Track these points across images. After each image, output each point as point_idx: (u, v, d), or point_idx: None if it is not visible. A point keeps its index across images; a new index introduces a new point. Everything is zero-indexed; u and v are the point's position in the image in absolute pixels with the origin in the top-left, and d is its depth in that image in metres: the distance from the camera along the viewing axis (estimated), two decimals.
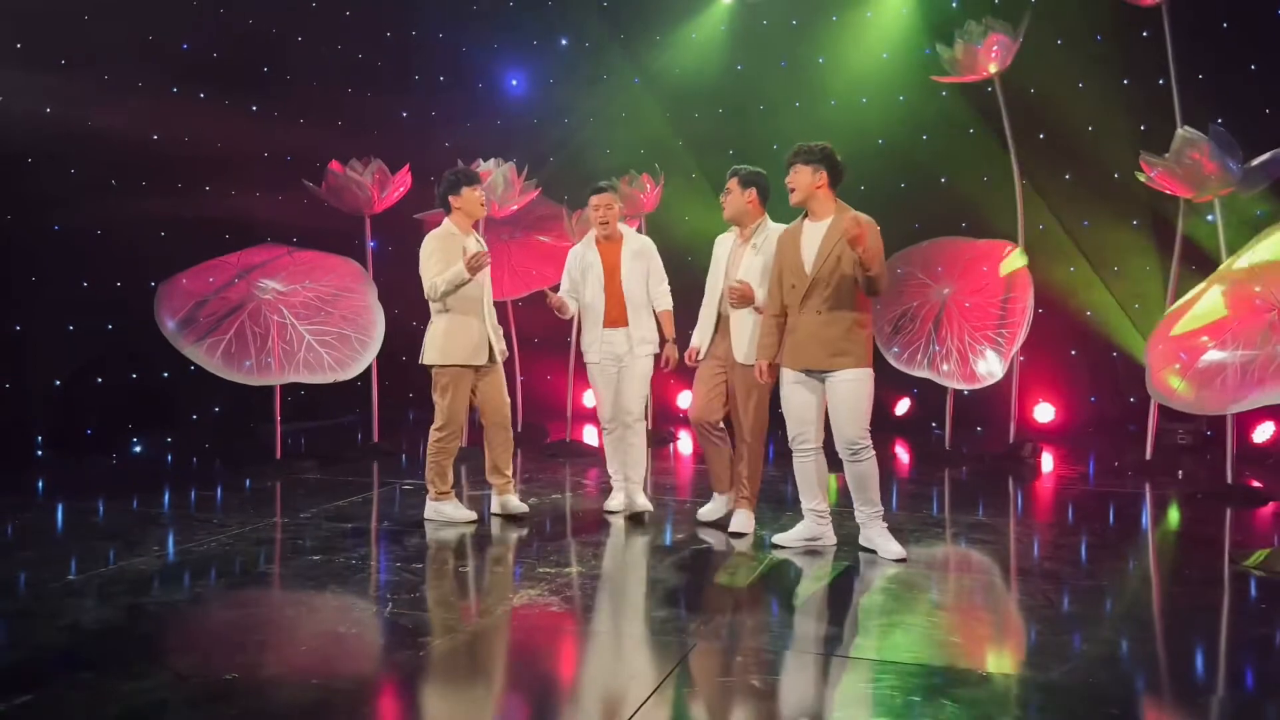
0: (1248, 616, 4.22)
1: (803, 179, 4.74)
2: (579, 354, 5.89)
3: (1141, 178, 6.79)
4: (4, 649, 3.67)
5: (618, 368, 5.60)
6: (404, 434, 8.67)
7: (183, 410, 8.34)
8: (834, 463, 4.86)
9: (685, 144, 9.81)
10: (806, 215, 4.83)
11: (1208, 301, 5.82)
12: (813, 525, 4.98)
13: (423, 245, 5.47)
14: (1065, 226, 8.86)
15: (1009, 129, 7.57)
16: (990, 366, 7.19)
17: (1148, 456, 7.24)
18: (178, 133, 7.98)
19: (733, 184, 5.14)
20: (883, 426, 8.49)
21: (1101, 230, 8.84)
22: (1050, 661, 3.50)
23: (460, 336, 5.43)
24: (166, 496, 6.25)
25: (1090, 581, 4.55)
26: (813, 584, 4.53)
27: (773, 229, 5.11)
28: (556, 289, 5.77)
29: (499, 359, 5.57)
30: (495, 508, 5.69)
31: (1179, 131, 6.50)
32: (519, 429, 8.07)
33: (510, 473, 5.69)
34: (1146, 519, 6.05)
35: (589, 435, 8.55)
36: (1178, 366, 5.79)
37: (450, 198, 5.51)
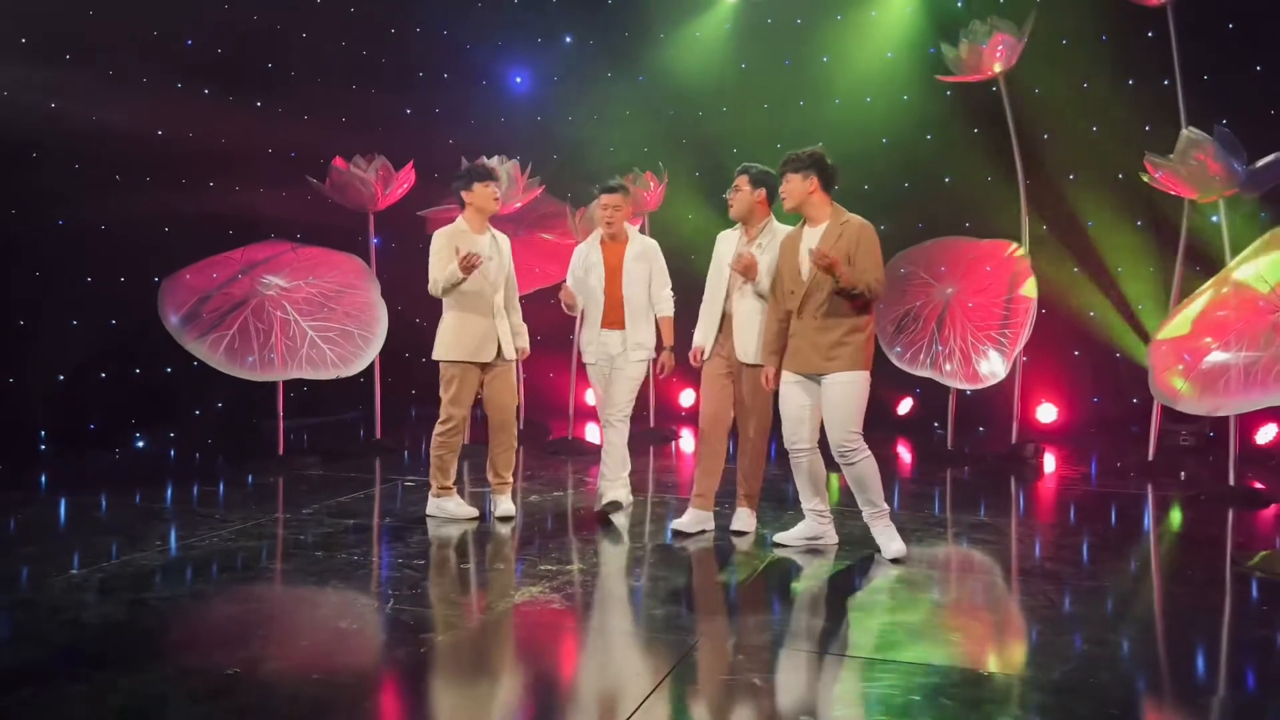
0: (1249, 618, 4.22)
1: (794, 187, 4.74)
2: (581, 352, 5.88)
3: (1146, 178, 6.78)
4: (6, 643, 3.68)
5: (611, 368, 5.59)
6: (406, 430, 8.67)
7: (185, 406, 8.35)
8: (833, 463, 4.86)
9: (689, 142, 9.80)
10: (805, 221, 4.84)
11: (1201, 302, 5.84)
12: (814, 524, 4.98)
13: (432, 241, 5.47)
14: (1069, 227, 8.85)
15: (1013, 129, 7.56)
16: (993, 366, 7.19)
17: (1150, 457, 7.23)
18: (182, 129, 7.98)
19: (742, 181, 5.09)
20: (885, 426, 8.58)
21: (1105, 231, 8.82)
22: (1051, 662, 3.50)
23: (465, 333, 5.42)
24: (169, 492, 6.26)
25: (1092, 582, 4.55)
26: (813, 583, 4.53)
27: (778, 229, 5.10)
28: (568, 306, 5.69)
29: (509, 357, 5.53)
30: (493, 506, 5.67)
31: (1184, 132, 6.50)
32: (520, 426, 8.06)
33: (508, 475, 5.62)
34: (1148, 520, 6.04)
35: (591, 433, 8.55)
36: (1181, 368, 5.78)
37: (463, 193, 5.51)
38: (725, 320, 5.18)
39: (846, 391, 4.65)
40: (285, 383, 7.22)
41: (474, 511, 5.53)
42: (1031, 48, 7.32)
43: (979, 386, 7.32)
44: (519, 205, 7.79)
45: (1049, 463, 7.65)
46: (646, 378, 5.69)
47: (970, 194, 8.86)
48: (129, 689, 3.18)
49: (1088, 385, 9.11)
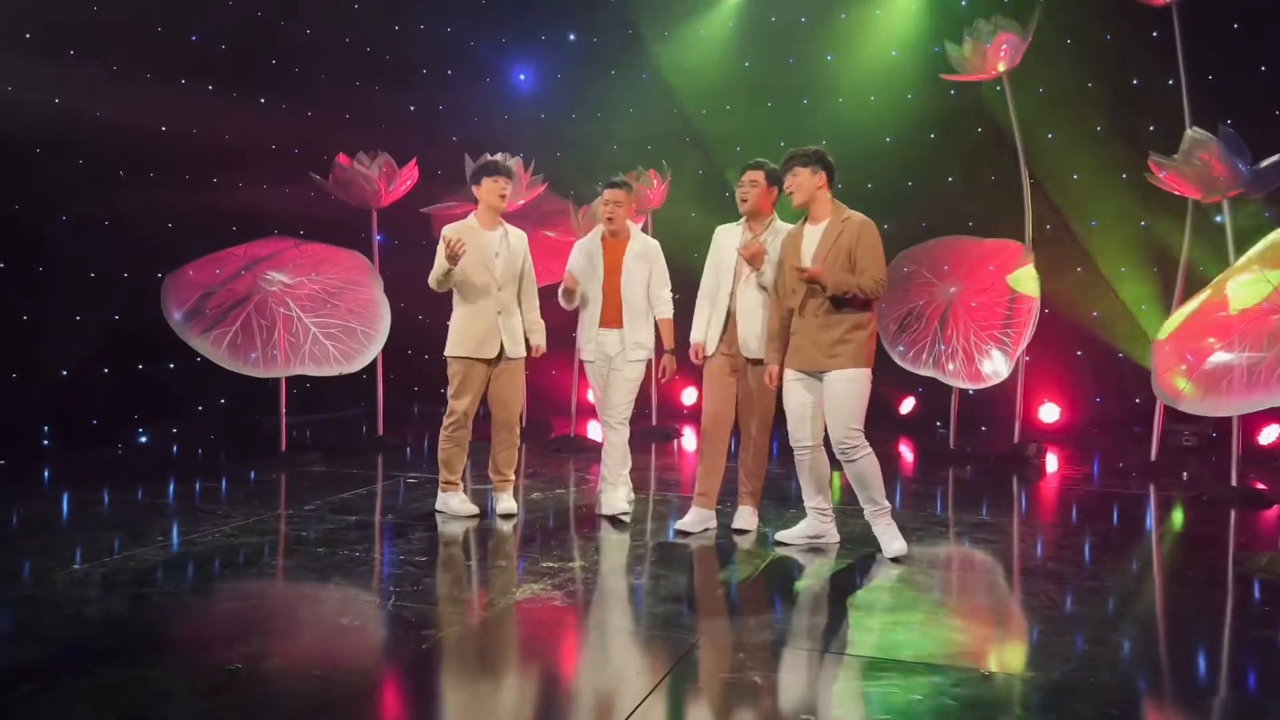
0: (1251, 618, 4.21)
1: (804, 181, 4.75)
2: (579, 350, 5.85)
3: (1150, 178, 6.77)
4: (8, 638, 3.69)
5: (609, 368, 5.53)
6: (409, 427, 8.68)
7: (188, 402, 8.36)
8: (836, 462, 4.86)
9: (692, 140, 9.81)
10: (807, 219, 4.84)
11: (1201, 298, 5.83)
12: (816, 523, 4.98)
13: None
14: (1072, 227, 8.84)
15: (1017, 128, 7.55)
16: (996, 366, 7.18)
17: (1152, 458, 7.23)
18: (185, 124, 7.99)
19: (759, 177, 5.06)
20: (887, 425, 8.58)
21: (1109, 231, 8.82)
22: (1053, 661, 3.50)
23: (469, 328, 5.41)
24: (171, 487, 6.27)
25: (1093, 582, 4.55)
26: (815, 582, 4.53)
27: (781, 227, 5.09)
28: (570, 293, 5.60)
29: (512, 355, 5.46)
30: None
31: (1188, 132, 6.48)
32: (523, 424, 8.06)
33: (509, 473, 5.60)
34: (1150, 520, 6.04)
35: (593, 431, 8.55)
36: (1184, 368, 5.78)
37: (474, 188, 5.51)
38: (730, 318, 5.15)
39: (848, 388, 4.65)
40: (288, 379, 7.23)
41: (474, 509, 5.53)
42: (1035, 47, 7.31)
43: (981, 386, 7.31)
44: (522, 202, 7.79)
45: (1051, 462, 7.65)
46: (646, 377, 5.64)
47: (973, 193, 8.86)
48: (131, 684, 3.19)
49: (1090, 385, 9.10)
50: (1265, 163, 6.30)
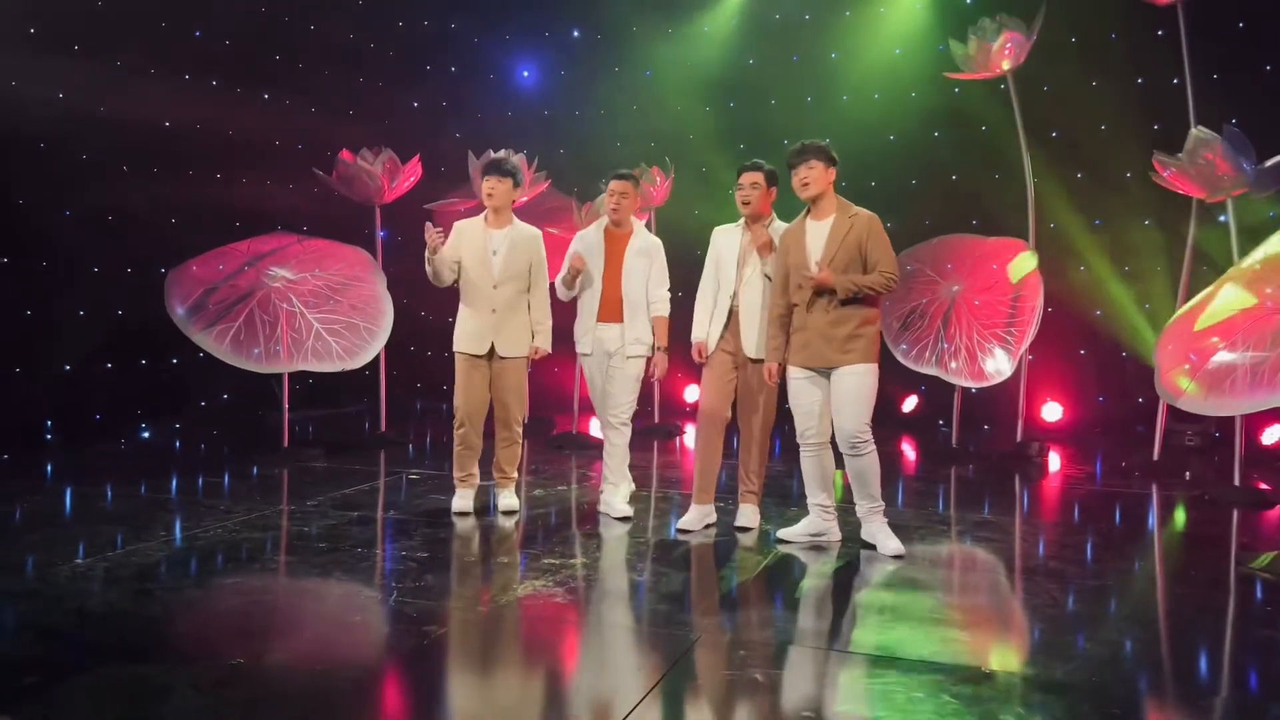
0: (1253, 619, 4.21)
1: (818, 174, 4.77)
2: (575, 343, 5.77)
3: (1154, 177, 6.76)
4: (11, 632, 3.70)
5: (608, 364, 5.48)
6: (411, 423, 8.69)
7: (191, 397, 8.37)
8: (840, 458, 4.86)
9: (696, 137, 9.80)
10: (809, 213, 4.84)
11: (1227, 296, 5.79)
12: (818, 520, 4.99)
13: None
14: (1076, 226, 8.83)
15: (1021, 126, 7.54)
16: (999, 365, 7.18)
17: (1155, 457, 7.22)
18: (189, 120, 8.00)
19: (759, 179, 5.07)
20: (890, 423, 8.57)
21: (1113, 230, 8.81)
22: (1054, 660, 3.50)
23: (461, 325, 5.44)
24: (174, 482, 6.28)
25: (1095, 581, 4.54)
26: (816, 579, 4.53)
27: (779, 225, 5.10)
28: (576, 272, 5.49)
29: (503, 354, 5.38)
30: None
31: (1192, 131, 6.47)
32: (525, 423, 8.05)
33: (510, 470, 5.58)
34: (1153, 520, 6.03)
35: (594, 428, 8.55)
36: (1187, 367, 5.77)
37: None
38: (732, 316, 5.15)
39: (860, 382, 4.67)
40: (290, 375, 7.23)
41: (467, 507, 5.48)
42: (1040, 45, 7.30)
43: (984, 384, 7.31)
44: (525, 199, 7.78)
45: (1054, 461, 7.64)
46: (646, 375, 5.61)
47: (977, 192, 8.86)
48: (133, 679, 3.19)
49: (1093, 384, 9.10)
50: (1270, 162, 6.29)
